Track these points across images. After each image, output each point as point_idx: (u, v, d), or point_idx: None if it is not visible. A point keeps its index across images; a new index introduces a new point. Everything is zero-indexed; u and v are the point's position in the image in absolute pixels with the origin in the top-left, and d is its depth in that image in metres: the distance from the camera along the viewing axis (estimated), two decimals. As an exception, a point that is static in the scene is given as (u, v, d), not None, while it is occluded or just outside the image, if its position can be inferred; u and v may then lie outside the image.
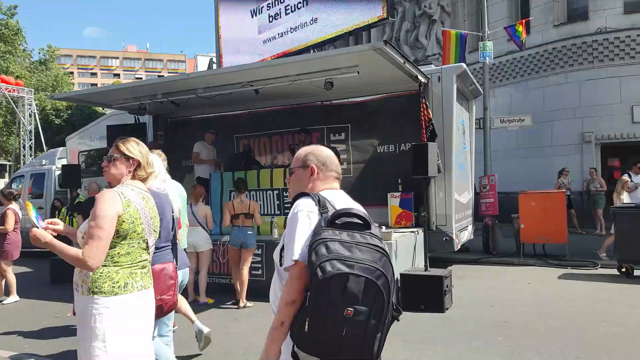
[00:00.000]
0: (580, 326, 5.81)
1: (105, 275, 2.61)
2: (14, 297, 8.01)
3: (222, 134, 11.09)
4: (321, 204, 2.09)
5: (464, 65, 9.32)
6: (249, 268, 7.40)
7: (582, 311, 6.47)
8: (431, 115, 8.41)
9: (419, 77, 8.36)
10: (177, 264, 3.34)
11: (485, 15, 13.25)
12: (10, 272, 8.04)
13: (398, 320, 2.04)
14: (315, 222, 2.02)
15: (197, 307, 7.16)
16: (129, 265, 2.68)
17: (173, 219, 3.37)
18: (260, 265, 7.86)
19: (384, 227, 7.70)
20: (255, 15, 14.41)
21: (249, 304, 7.23)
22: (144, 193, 2.83)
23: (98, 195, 2.70)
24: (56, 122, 32.69)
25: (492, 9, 17.20)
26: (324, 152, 2.34)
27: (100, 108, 25.01)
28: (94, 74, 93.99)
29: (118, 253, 2.65)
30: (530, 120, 13.11)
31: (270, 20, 13.93)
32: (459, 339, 5.50)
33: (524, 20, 13.70)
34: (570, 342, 5.24)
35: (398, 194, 8.93)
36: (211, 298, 7.53)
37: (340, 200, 2.20)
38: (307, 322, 1.89)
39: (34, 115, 28.10)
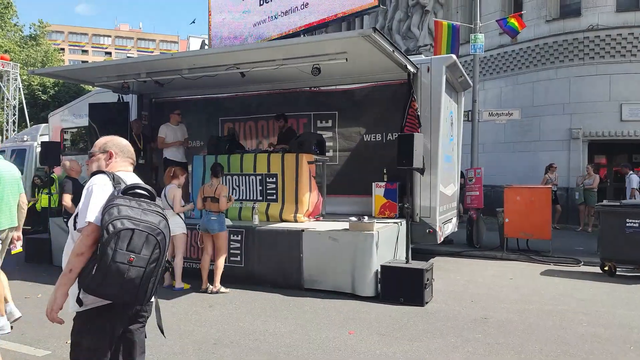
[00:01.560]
0: (560, 325, 5.75)
1: None
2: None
3: (207, 116, 10.96)
4: (115, 180, 2.64)
5: (454, 56, 9.16)
6: (225, 254, 7.32)
7: (562, 309, 6.42)
8: (417, 106, 8.28)
9: (408, 66, 8.19)
10: None
11: (478, 8, 13.12)
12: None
13: (169, 271, 2.67)
14: (109, 193, 2.55)
15: (173, 292, 7.04)
16: None
17: None
18: (239, 252, 7.68)
19: (366, 217, 7.56)
20: (246, -2, 14.15)
21: (223, 289, 7.11)
22: None
23: None
24: (42, 97, 32.17)
25: (485, 2, 17.05)
26: (121, 141, 2.92)
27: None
28: (85, 51, 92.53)
29: None
30: (519, 115, 13.05)
31: (261, 3, 13.69)
32: (436, 334, 5.41)
33: (517, 14, 13.57)
34: (549, 342, 5.16)
35: (383, 183, 8.82)
36: (187, 283, 7.32)
37: (132, 179, 2.77)
38: (94, 269, 2.39)
39: (19, 90, 27.60)
